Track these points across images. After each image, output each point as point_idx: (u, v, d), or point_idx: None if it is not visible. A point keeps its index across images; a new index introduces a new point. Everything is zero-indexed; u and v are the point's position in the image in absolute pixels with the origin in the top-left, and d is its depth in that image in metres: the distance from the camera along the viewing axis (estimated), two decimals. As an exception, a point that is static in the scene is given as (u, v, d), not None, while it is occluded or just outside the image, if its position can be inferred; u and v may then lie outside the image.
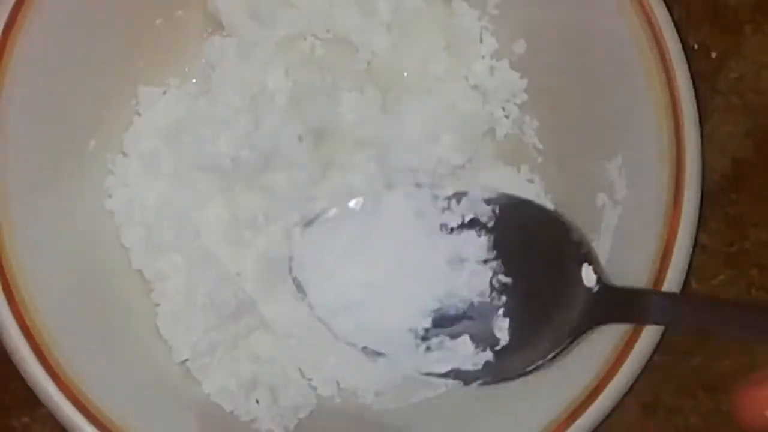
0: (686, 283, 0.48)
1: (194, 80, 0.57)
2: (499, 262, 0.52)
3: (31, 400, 0.51)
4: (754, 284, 0.57)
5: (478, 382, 0.51)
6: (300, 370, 0.55)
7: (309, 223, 0.54)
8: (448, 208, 0.53)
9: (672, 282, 0.48)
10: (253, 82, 0.56)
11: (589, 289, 0.50)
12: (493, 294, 0.52)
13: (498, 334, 0.51)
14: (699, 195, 0.49)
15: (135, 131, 0.56)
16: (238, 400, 0.53)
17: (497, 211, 0.53)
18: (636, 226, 0.50)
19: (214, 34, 0.57)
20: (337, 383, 0.55)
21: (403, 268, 0.53)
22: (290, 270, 0.53)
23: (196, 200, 0.56)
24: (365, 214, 0.53)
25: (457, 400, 0.53)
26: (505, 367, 0.51)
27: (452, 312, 0.52)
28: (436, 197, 0.53)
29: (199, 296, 0.54)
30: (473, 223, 0.53)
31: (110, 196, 0.55)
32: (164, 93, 0.57)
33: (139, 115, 0.56)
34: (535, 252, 0.52)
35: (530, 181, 0.57)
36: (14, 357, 0.46)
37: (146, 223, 0.55)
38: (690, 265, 0.48)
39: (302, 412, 0.54)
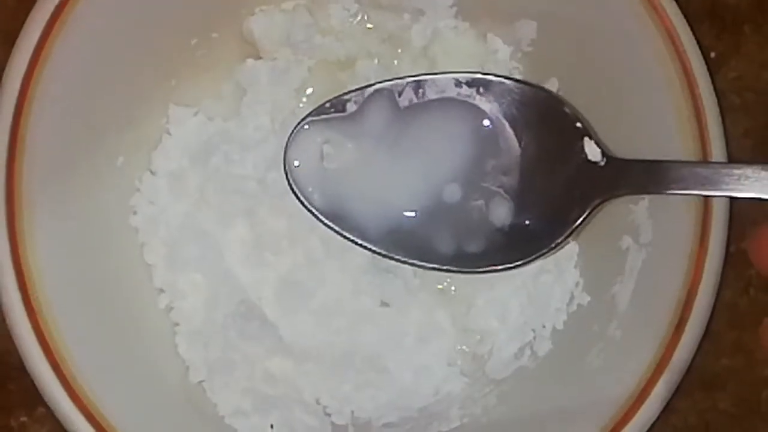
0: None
1: (225, 102, 0.57)
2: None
3: (28, 400, 0.52)
4: (752, 284, 0.58)
5: (481, 268, 0.51)
6: (315, 396, 0.55)
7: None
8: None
9: (693, 327, 0.47)
10: (284, 107, 0.56)
11: (595, 164, 0.49)
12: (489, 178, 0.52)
13: (495, 220, 0.51)
14: (725, 241, 0.48)
15: (164, 150, 0.56)
16: (253, 424, 0.53)
17: (480, 92, 0.52)
18: (660, 270, 0.50)
19: (248, 57, 0.57)
20: (352, 412, 0.54)
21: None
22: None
23: (220, 221, 0.56)
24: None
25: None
26: (511, 250, 0.51)
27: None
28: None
29: (219, 317, 0.54)
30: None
31: (135, 213, 0.55)
32: (195, 113, 0.57)
33: (169, 134, 0.56)
34: (529, 131, 0.51)
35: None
36: (31, 371, 0.46)
37: (169, 242, 0.55)
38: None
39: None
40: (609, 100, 0.52)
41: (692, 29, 0.50)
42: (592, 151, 0.49)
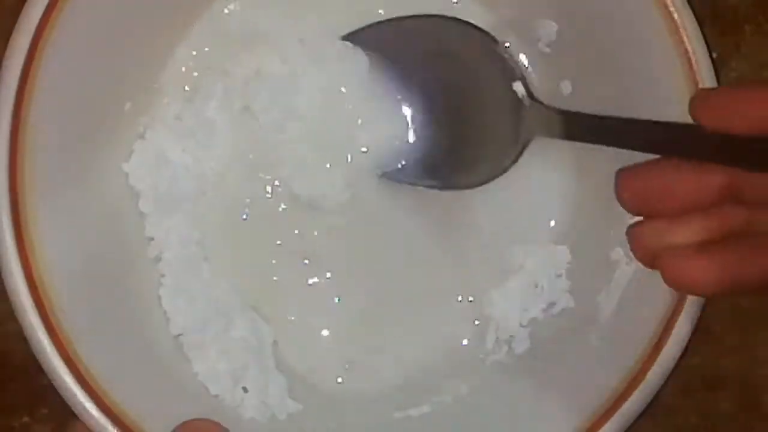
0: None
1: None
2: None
3: (30, 400, 0.52)
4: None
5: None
6: (293, 360, 0.55)
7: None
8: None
9: (671, 349, 0.48)
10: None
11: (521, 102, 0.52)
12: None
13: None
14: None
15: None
16: (226, 385, 0.53)
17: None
18: (646, 288, 0.49)
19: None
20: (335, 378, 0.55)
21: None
22: None
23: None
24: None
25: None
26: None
27: None
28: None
29: (204, 273, 0.55)
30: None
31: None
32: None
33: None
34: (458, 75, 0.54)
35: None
36: (19, 314, 0.47)
37: (162, 187, 0.55)
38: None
39: (292, 405, 0.54)
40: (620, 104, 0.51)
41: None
42: (519, 91, 0.52)
